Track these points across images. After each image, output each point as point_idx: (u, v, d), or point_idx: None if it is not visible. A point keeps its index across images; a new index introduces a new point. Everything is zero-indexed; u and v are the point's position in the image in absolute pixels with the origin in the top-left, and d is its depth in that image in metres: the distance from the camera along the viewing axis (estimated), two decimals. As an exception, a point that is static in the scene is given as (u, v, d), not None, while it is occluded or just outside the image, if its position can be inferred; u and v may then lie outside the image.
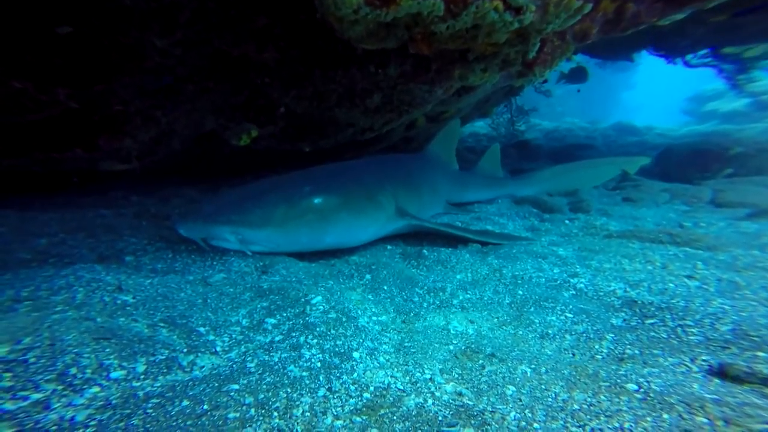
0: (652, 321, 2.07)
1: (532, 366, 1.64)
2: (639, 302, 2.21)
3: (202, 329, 1.94)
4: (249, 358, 1.66)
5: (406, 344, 1.87)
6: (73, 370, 1.47)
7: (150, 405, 1.34)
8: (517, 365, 1.64)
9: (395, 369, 1.64)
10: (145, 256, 2.83)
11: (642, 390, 1.51)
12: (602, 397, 1.48)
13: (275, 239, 2.88)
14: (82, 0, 2.02)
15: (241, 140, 3.77)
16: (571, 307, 2.16)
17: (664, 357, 1.79)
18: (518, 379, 1.56)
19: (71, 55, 2.30)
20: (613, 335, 1.94)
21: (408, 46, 3.10)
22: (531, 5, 2.63)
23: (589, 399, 1.47)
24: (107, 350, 1.59)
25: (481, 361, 1.68)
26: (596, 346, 1.87)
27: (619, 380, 1.58)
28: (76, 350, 1.55)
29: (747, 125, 15.48)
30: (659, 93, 51.15)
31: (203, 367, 1.67)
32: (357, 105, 4.15)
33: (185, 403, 1.34)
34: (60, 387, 1.39)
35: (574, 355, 1.81)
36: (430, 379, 1.56)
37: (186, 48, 2.74)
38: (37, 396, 1.34)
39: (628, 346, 1.86)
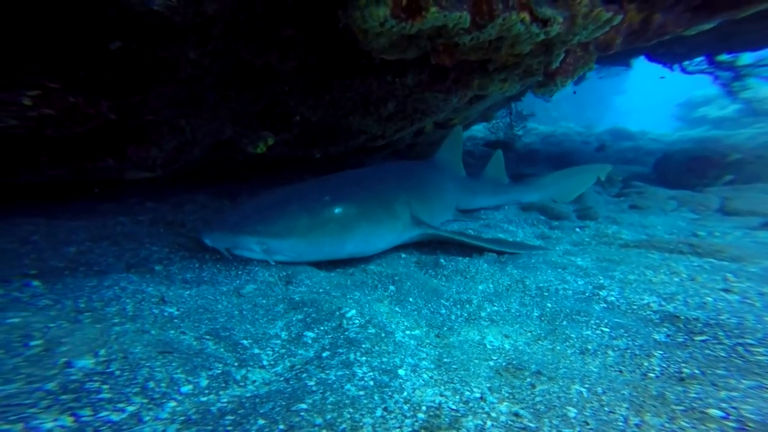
0: (703, 338, 2.03)
1: (586, 385, 1.63)
2: (682, 317, 2.17)
3: (245, 342, 1.97)
4: (304, 375, 1.68)
5: (445, 360, 1.87)
6: (152, 384, 1.52)
7: (227, 422, 1.38)
8: (570, 384, 1.63)
9: (442, 387, 1.64)
10: (173, 265, 2.85)
11: (732, 417, 1.43)
12: (683, 422, 1.42)
13: (299, 249, 2.92)
14: (134, 17, 2.06)
15: (257, 148, 3.78)
16: (606, 321, 2.16)
17: (735, 378, 1.70)
18: (575, 399, 1.54)
19: (117, 68, 2.33)
20: (661, 352, 1.91)
21: (428, 56, 3.13)
22: (558, 17, 2.63)
23: (666, 425, 1.41)
24: (173, 364, 1.64)
25: (528, 379, 1.68)
26: (645, 364, 1.84)
27: (694, 404, 1.51)
28: (148, 364, 1.60)
29: (736, 131, 15.93)
30: (650, 98, 51.73)
31: (255, 381, 1.71)
32: (371, 113, 4.18)
33: (261, 422, 1.37)
34: (145, 400, 1.46)
35: (621, 372, 1.79)
36: (481, 398, 1.56)
37: (214, 58, 2.77)
38: (131, 409, 1.41)
39: (683, 365, 1.82)
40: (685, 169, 8.15)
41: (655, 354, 1.90)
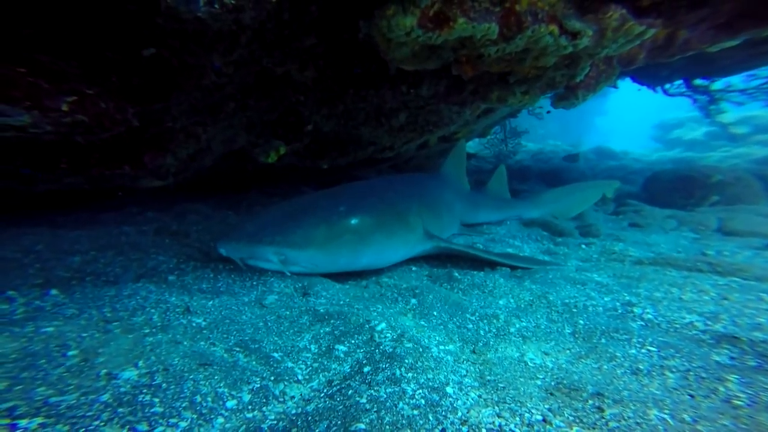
0: (786, 363, 1.83)
1: (666, 412, 1.48)
2: (744, 339, 2.02)
3: (276, 355, 1.89)
4: (351, 392, 1.59)
5: (488, 377, 1.78)
6: (198, 398, 1.46)
7: (285, 441, 1.29)
8: (644, 409, 1.50)
9: (496, 407, 1.55)
10: (186, 275, 2.74)
11: None
12: None
13: (316, 260, 2.84)
14: (177, 24, 1.99)
15: (269, 157, 3.71)
16: (650, 339, 2.07)
17: None
18: (661, 428, 1.41)
19: (145, 75, 2.25)
20: (736, 376, 1.74)
21: (450, 68, 3.09)
22: (588, 30, 2.58)
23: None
24: (216, 377, 1.57)
25: (591, 401, 1.57)
26: (721, 389, 1.67)
27: None
28: (191, 377, 1.53)
29: (706, 153, 16.69)
30: (628, 119, 53.22)
31: (294, 397, 1.63)
32: (382, 124, 4.13)
33: (322, 443, 1.28)
34: (195, 416, 1.40)
35: (693, 397, 1.64)
36: (545, 420, 1.47)
37: (237, 67, 2.69)
38: (183, 424, 1.37)
39: (779, 393, 1.63)
40: (672, 189, 8.30)
41: (729, 378, 1.75)
